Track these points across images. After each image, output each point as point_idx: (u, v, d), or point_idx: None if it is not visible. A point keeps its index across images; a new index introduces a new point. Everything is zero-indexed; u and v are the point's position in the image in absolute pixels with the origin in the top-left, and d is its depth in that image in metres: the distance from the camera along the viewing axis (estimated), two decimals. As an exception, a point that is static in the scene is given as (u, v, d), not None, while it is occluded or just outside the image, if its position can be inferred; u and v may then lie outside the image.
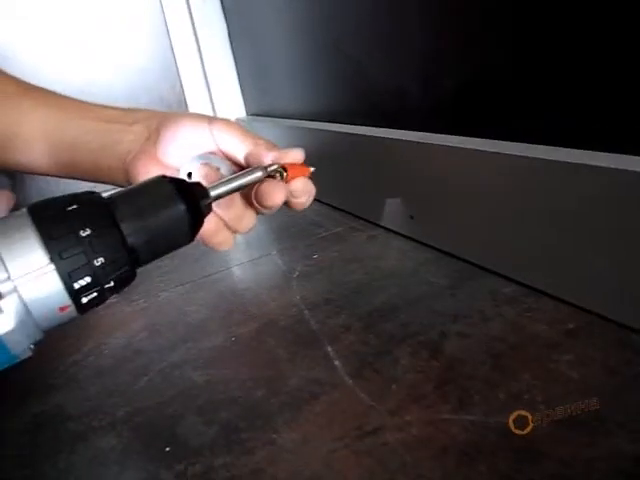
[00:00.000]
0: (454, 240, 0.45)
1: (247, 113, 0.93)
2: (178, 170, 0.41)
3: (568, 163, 0.32)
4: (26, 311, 0.31)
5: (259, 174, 0.38)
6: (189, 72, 0.89)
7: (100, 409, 0.34)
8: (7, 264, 0.30)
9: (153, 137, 0.42)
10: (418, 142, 0.45)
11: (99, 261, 0.31)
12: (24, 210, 0.31)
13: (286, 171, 0.38)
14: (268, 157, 0.38)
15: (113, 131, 0.44)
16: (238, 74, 0.91)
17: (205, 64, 0.89)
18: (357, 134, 0.55)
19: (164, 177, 0.34)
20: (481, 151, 0.38)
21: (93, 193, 0.33)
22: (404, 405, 0.29)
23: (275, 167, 0.38)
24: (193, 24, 0.86)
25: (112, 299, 0.27)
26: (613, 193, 0.29)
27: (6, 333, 0.30)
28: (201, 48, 0.88)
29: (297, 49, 0.70)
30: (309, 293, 0.44)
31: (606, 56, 0.30)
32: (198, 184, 0.35)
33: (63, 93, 0.47)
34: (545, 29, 0.34)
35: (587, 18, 0.31)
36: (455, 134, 0.43)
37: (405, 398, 0.29)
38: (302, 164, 0.40)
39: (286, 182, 0.38)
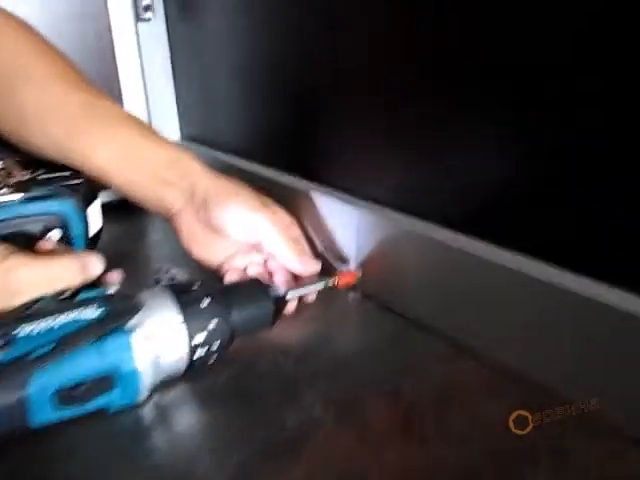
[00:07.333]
0: (396, 297, 0.54)
1: (182, 137, 0.96)
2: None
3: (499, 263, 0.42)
4: (157, 356, 0.40)
5: (322, 285, 0.53)
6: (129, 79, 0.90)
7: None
8: (150, 318, 0.40)
9: (197, 202, 0.53)
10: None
11: (212, 323, 0.38)
12: (160, 286, 0.43)
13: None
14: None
15: (158, 189, 0.54)
16: (177, 95, 0.93)
17: (146, 80, 0.91)
18: (290, 187, 0.62)
19: (259, 282, 0.48)
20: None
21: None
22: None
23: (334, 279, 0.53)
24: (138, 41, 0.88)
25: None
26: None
27: (144, 369, 0.39)
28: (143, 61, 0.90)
29: (240, 82, 0.75)
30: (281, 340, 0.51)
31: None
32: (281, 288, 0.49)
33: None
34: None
35: None
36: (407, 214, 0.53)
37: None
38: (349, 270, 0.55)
39: (335, 286, 0.54)
